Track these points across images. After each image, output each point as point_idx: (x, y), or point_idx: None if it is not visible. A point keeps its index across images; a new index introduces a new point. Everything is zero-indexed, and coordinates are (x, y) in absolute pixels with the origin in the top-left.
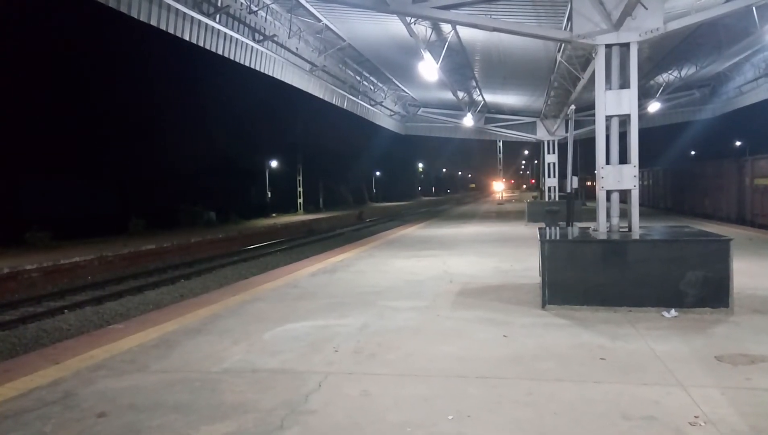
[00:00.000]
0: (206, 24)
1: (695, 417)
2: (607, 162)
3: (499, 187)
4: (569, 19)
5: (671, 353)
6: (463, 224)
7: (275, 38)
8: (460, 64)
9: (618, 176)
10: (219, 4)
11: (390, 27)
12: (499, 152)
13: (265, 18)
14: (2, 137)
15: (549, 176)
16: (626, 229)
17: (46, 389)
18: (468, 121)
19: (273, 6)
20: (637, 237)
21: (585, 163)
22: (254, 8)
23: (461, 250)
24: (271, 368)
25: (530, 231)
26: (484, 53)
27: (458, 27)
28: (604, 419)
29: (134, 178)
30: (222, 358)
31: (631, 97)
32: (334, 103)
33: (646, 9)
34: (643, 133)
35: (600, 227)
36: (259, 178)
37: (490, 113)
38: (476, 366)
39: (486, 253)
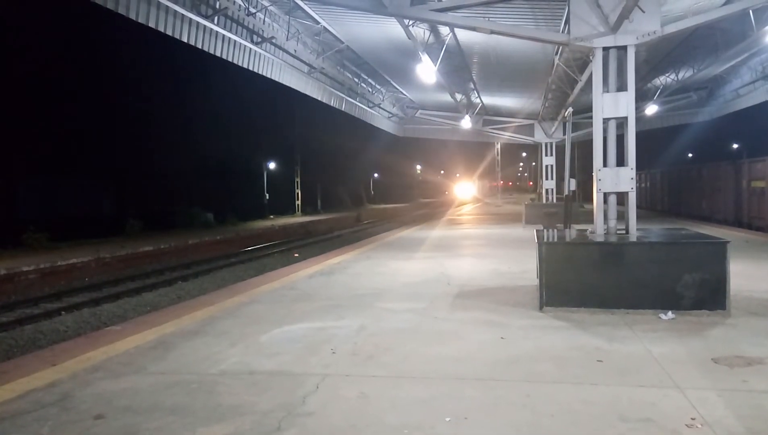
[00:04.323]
0: (204, 26)
1: (692, 419)
2: (605, 164)
3: (467, 191)
4: (567, 22)
5: (668, 355)
6: (461, 226)
7: (273, 40)
8: (458, 67)
9: (615, 179)
10: (217, 6)
11: (388, 29)
12: (498, 154)
13: (264, 20)
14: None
15: (547, 178)
16: (624, 232)
17: (43, 391)
18: (466, 123)
19: (271, 8)
20: (635, 239)
21: (583, 166)
22: (252, 10)
23: (458, 252)
24: (269, 370)
25: (528, 233)
26: (481, 56)
27: (456, 29)
28: (601, 421)
29: (131, 179)
30: (219, 360)
31: (629, 100)
32: (332, 105)
33: (644, 12)
34: (640, 136)
35: (597, 229)
36: (257, 179)
37: (487, 115)
38: (474, 368)
39: (483, 255)
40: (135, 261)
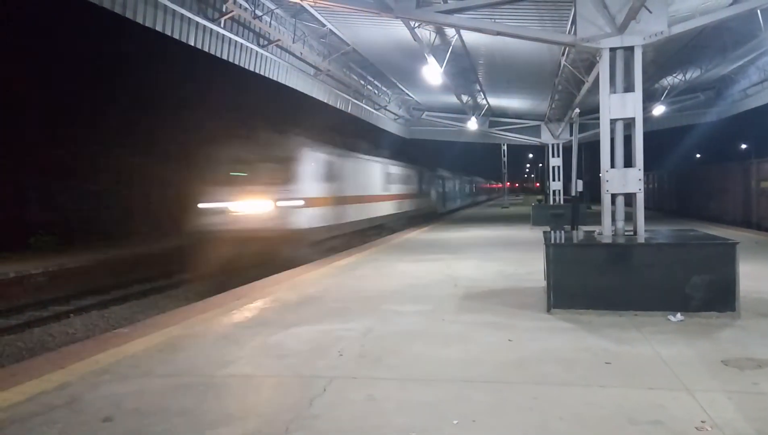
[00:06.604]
0: (211, 29)
1: (702, 422)
2: (612, 165)
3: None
4: (573, 22)
5: (677, 357)
6: (467, 228)
7: (279, 43)
8: (464, 68)
9: (623, 179)
10: (224, 10)
11: (394, 31)
12: (504, 156)
13: (270, 23)
14: (4, 141)
15: (554, 180)
16: (631, 233)
17: (52, 394)
18: (472, 124)
19: (277, 11)
20: (643, 240)
21: (590, 166)
22: (259, 13)
23: (465, 254)
24: (276, 373)
25: (535, 234)
26: (488, 57)
27: (462, 31)
28: (609, 423)
29: (133, 180)
30: (226, 363)
31: (636, 101)
32: (338, 107)
33: (651, 12)
34: (647, 136)
35: (605, 231)
36: None
37: (494, 117)
38: (481, 370)
39: (490, 257)
40: (141, 262)
